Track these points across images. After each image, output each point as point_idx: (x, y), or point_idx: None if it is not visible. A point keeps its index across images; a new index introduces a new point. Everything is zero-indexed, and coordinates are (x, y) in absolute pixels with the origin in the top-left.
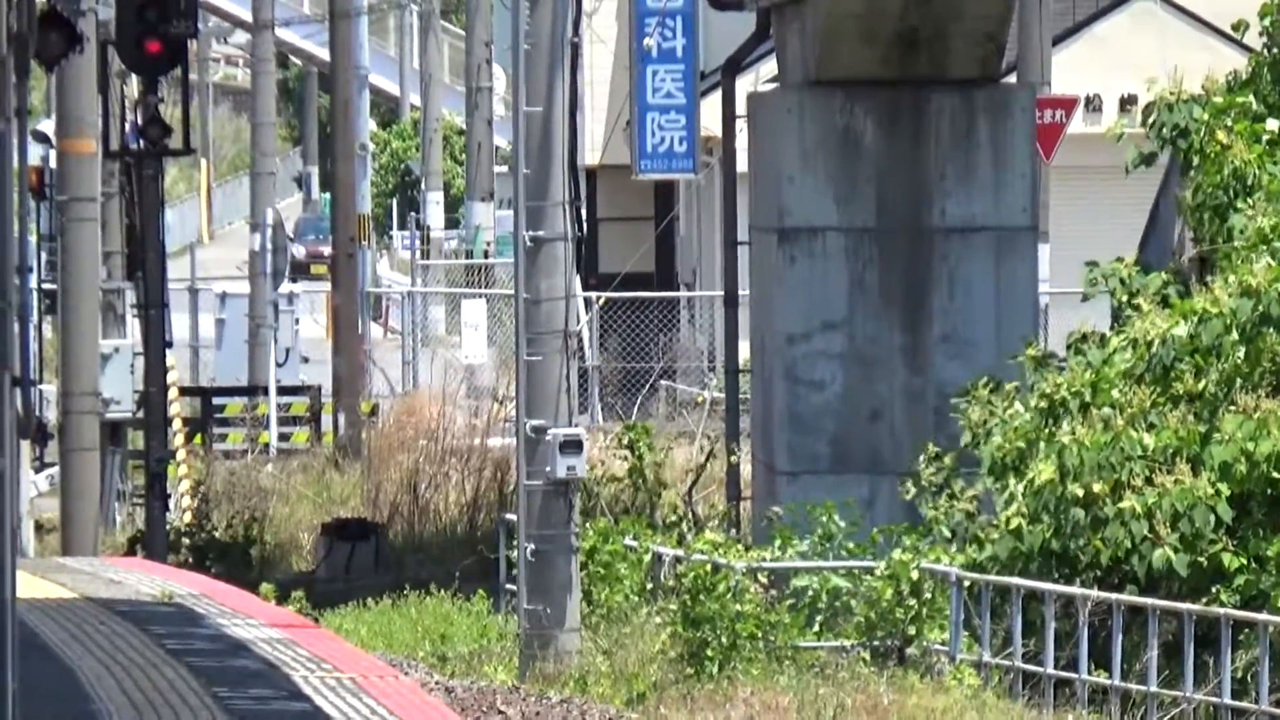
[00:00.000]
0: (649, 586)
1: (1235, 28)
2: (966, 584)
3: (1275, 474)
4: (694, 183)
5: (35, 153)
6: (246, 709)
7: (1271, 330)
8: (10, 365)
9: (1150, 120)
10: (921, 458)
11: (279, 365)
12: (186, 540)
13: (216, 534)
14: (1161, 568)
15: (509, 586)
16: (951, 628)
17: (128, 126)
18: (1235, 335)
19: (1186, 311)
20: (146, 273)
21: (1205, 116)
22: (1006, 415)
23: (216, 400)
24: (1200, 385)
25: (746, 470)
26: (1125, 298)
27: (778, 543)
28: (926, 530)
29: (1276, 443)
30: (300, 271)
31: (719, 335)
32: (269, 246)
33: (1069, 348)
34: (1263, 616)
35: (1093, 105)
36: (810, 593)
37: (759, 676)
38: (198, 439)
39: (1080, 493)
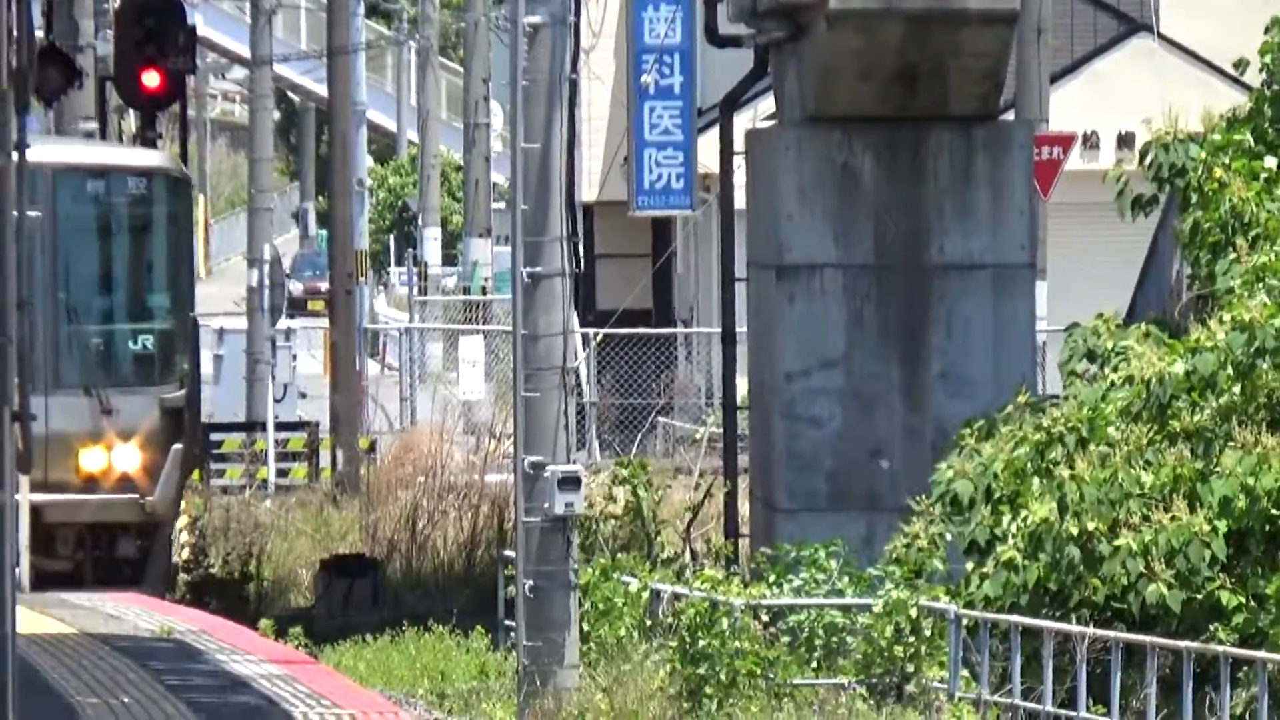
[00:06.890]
0: (648, 623)
1: (1236, 65)
2: (967, 623)
3: (1275, 510)
4: (691, 219)
5: None
6: None
7: (1266, 364)
8: (10, 400)
9: (1147, 160)
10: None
11: (277, 401)
12: (184, 576)
13: (214, 570)
14: (1156, 604)
15: (508, 623)
16: (950, 665)
17: None
18: (1230, 370)
19: (1184, 349)
20: None
21: (1203, 155)
22: (990, 456)
23: (214, 436)
24: (1196, 420)
25: (745, 508)
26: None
27: (771, 577)
28: (917, 570)
29: (1278, 477)
30: (298, 307)
31: (716, 372)
32: (266, 282)
33: (1065, 371)
34: (1262, 654)
35: (1090, 142)
36: (805, 628)
37: (758, 714)
38: (195, 474)
39: (1076, 530)
